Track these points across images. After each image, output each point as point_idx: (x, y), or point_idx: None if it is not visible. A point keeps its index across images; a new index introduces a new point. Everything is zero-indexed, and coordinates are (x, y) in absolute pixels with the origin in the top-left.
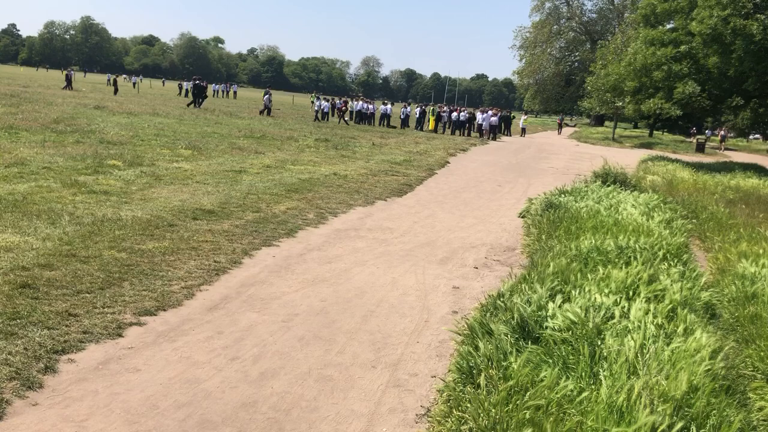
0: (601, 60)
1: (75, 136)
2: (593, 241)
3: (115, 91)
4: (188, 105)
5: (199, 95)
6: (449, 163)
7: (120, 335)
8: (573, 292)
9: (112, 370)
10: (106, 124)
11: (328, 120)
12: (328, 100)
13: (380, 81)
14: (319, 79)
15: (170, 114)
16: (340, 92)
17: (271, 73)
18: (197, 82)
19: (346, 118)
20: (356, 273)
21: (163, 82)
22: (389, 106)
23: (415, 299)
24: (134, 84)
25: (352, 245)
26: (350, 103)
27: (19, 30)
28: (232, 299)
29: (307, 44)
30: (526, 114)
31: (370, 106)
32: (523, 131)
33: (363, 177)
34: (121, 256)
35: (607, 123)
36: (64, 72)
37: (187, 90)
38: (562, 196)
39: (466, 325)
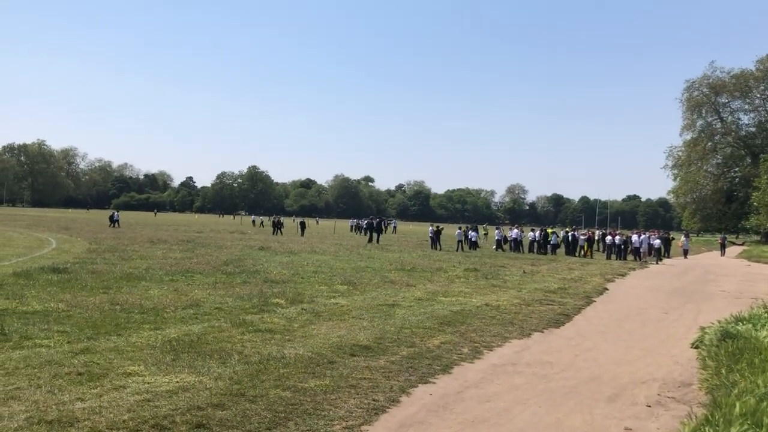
0: (766, 174)
1: (242, 277)
2: None
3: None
4: (368, 243)
5: (376, 231)
6: (607, 289)
7: None
8: None
9: None
10: (269, 263)
11: (476, 249)
12: (475, 229)
13: (526, 207)
14: (464, 209)
15: (326, 251)
16: (485, 221)
17: (417, 206)
18: (374, 220)
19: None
20: (517, 413)
21: (317, 221)
22: (537, 232)
23: None
24: (256, 222)
25: (510, 382)
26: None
27: (195, 182)
28: None
29: (452, 176)
30: (687, 234)
31: (518, 233)
32: (685, 253)
33: (516, 307)
34: (286, 394)
35: None
36: (272, 218)
37: (361, 228)
38: (740, 324)
39: None
